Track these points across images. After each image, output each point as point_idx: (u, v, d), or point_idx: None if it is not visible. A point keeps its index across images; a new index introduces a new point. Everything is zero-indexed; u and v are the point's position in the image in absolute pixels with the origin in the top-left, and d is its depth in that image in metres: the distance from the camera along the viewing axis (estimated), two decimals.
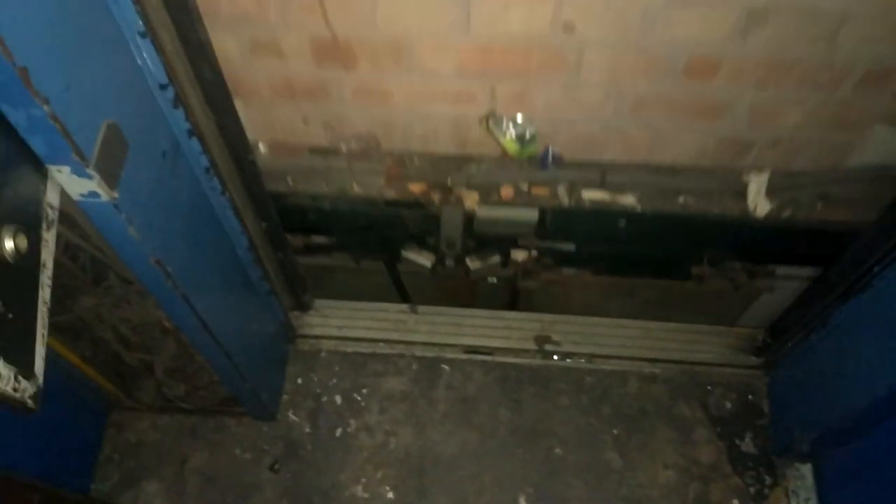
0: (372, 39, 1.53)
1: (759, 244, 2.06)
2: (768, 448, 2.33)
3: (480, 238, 2.16)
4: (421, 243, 2.25)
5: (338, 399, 2.45)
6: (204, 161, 1.49)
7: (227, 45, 1.56)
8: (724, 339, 2.51)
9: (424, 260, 2.27)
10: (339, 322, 2.59)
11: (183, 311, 1.51)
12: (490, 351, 2.56)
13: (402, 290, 2.61)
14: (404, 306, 2.62)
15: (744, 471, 2.31)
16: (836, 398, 1.92)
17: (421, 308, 2.62)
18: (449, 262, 2.25)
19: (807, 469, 2.25)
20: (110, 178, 1.07)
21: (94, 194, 1.07)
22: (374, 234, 2.19)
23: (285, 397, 2.45)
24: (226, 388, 2.12)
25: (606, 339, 2.57)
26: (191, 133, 1.41)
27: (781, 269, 2.15)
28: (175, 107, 1.33)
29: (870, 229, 1.69)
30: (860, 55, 1.51)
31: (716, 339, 2.52)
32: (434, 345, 2.57)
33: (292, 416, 2.42)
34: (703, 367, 2.49)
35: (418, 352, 2.55)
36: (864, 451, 1.93)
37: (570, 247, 2.18)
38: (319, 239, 2.28)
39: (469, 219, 2.03)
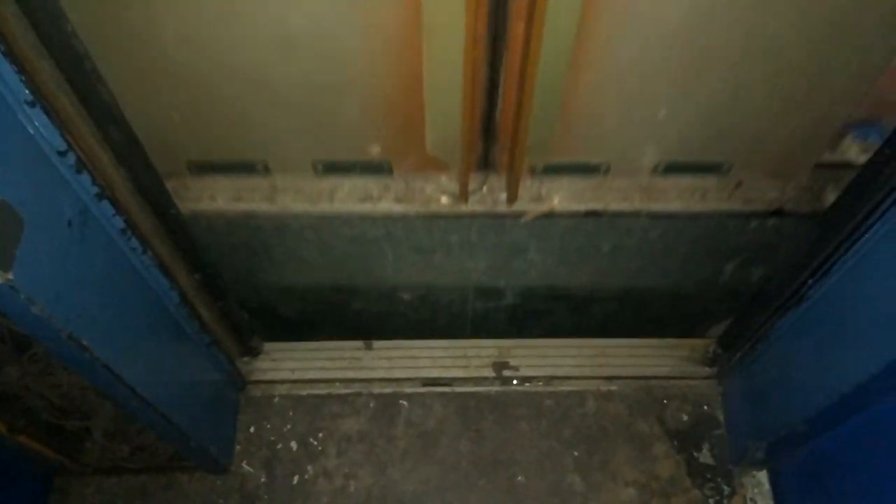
0: None
1: None
2: (725, 458, 2.33)
3: None
4: None
5: (293, 445, 2.40)
6: (118, 223, 1.44)
7: None
8: (677, 351, 2.51)
9: None
10: (291, 365, 2.53)
11: (108, 381, 1.45)
12: (449, 382, 2.53)
13: None
14: (359, 343, 2.58)
15: (703, 482, 2.30)
16: (784, 407, 1.93)
17: (376, 343, 2.58)
18: None
19: (763, 476, 2.26)
20: (3, 260, 1.03)
21: None
22: None
23: (238, 447, 2.38)
24: (170, 447, 2.05)
25: (563, 359, 2.55)
26: (100, 196, 1.36)
27: None
28: (79, 172, 1.28)
29: (801, 245, 1.70)
30: None
31: (669, 352, 2.52)
32: (391, 380, 2.53)
33: (246, 467, 2.36)
34: (659, 381, 2.48)
35: (375, 389, 2.51)
36: (815, 457, 1.94)
37: None
38: None
39: None
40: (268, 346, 2.53)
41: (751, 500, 2.25)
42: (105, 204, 1.38)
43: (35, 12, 1.15)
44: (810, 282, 1.73)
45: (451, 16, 1.28)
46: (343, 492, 2.32)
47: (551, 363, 2.54)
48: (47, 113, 1.17)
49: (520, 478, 2.36)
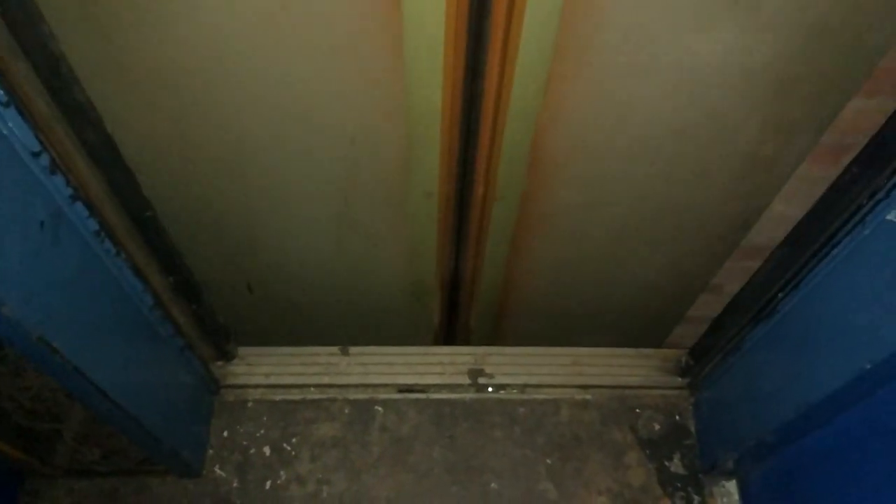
0: None
1: None
2: (696, 467, 2.36)
3: None
4: None
5: (266, 450, 2.39)
6: (92, 224, 1.43)
7: None
8: (650, 361, 2.54)
9: None
10: (266, 369, 2.53)
11: (79, 384, 1.45)
12: (424, 388, 2.53)
13: None
14: (335, 348, 2.58)
15: (673, 491, 2.32)
16: (753, 418, 1.96)
17: (353, 349, 2.58)
18: None
19: (732, 486, 2.28)
20: None
21: None
22: None
23: (211, 452, 2.37)
24: (142, 451, 2.04)
25: (538, 367, 2.57)
26: (74, 198, 1.35)
27: None
28: (52, 173, 1.28)
29: (771, 258, 1.73)
30: None
31: (643, 361, 2.55)
32: (367, 386, 2.53)
33: (219, 471, 2.34)
34: (632, 391, 2.51)
35: (351, 395, 2.51)
36: (784, 467, 1.97)
37: None
38: None
39: None
40: (242, 350, 2.53)
41: None
42: (79, 206, 1.38)
43: (11, 13, 1.14)
44: (780, 295, 1.75)
45: None
46: (316, 497, 2.31)
47: (526, 371, 2.56)
48: (21, 113, 1.17)
49: (493, 485, 2.36)
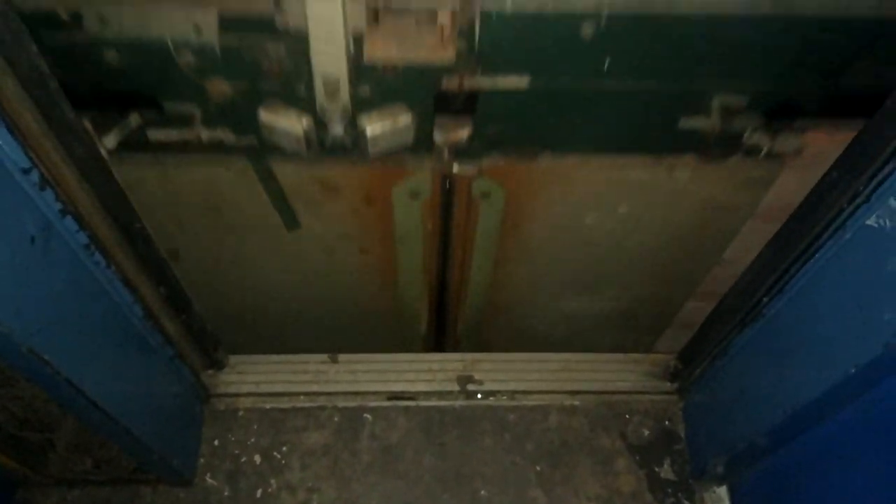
0: None
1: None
2: (686, 473, 2.37)
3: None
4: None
5: (257, 458, 2.39)
6: (82, 238, 1.44)
7: None
8: (639, 366, 2.55)
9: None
10: (255, 378, 2.53)
11: (69, 395, 1.46)
12: (413, 396, 2.54)
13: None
14: (324, 356, 2.59)
15: (664, 497, 2.34)
16: (742, 422, 1.97)
17: (342, 357, 2.59)
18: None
19: (723, 491, 2.29)
20: None
21: None
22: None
23: (202, 460, 2.37)
24: (133, 460, 2.05)
25: (528, 374, 2.58)
26: (64, 212, 1.37)
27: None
28: (42, 189, 1.29)
29: (754, 262, 1.75)
30: None
31: (631, 366, 2.56)
32: (356, 394, 2.53)
33: (210, 480, 2.35)
34: (621, 396, 2.52)
35: (340, 402, 2.52)
36: (773, 472, 1.98)
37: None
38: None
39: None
40: (232, 358, 2.53)
41: None
42: (69, 220, 1.39)
43: None
44: (765, 299, 1.77)
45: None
46: None
47: (515, 377, 2.57)
48: (10, 131, 1.18)
49: (483, 492, 2.37)
